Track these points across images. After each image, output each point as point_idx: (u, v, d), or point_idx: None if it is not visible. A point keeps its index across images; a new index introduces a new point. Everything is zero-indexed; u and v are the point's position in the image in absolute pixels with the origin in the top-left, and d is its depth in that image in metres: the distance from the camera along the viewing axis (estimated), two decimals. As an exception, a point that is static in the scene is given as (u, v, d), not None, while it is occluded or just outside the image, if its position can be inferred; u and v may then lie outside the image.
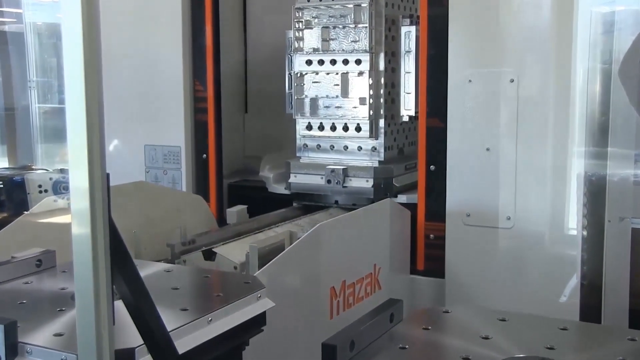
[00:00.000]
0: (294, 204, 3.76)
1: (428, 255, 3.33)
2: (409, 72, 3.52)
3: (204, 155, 4.00)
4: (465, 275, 3.20)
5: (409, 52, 3.51)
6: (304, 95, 3.63)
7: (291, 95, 3.70)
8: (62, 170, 4.51)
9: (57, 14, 7.27)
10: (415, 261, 3.34)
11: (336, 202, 3.68)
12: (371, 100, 3.50)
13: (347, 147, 3.65)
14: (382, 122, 3.57)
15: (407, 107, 3.55)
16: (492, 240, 3.15)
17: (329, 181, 3.58)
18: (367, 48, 3.47)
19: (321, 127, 3.66)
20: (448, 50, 3.15)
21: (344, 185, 3.55)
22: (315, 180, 3.66)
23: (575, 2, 2.89)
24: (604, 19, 2.88)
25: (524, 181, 3.08)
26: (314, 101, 3.61)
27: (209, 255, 2.78)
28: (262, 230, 3.18)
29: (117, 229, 1.39)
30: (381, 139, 3.57)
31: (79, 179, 1.29)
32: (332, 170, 3.56)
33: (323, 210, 3.61)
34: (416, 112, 3.50)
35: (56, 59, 7.35)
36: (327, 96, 3.58)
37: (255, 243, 2.59)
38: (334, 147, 3.68)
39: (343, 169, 3.55)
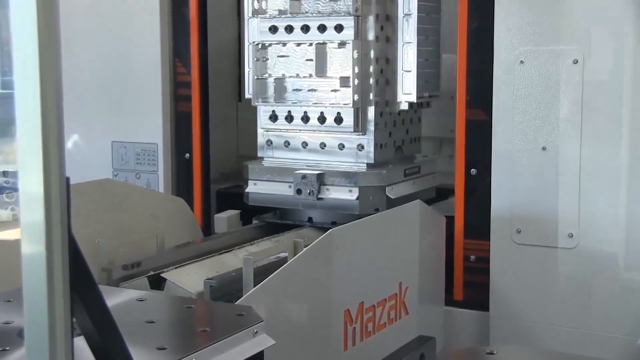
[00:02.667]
0: (254, 222, 3.73)
1: (468, 281, 3.41)
2: (409, 43, 3.55)
3: (187, 155, 4.10)
4: (515, 308, 3.25)
5: (408, 15, 3.50)
6: (266, 75, 3.61)
7: (250, 74, 3.67)
8: (4, 173, 4.58)
9: None
10: (452, 288, 3.44)
11: (310, 219, 3.66)
12: (357, 81, 3.47)
13: (325, 145, 3.63)
14: (371, 111, 3.56)
15: (407, 90, 3.56)
16: (549, 263, 3.20)
17: (299, 191, 3.54)
18: (351, 9, 3.45)
19: (289, 118, 3.64)
20: (494, 23, 3.25)
21: (320, 196, 3.51)
22: (282, 189, 3.61)
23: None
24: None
25: (590, 188, 3.14)
26: (279, 82, 3.60)
27: (158, 282, 2.78)
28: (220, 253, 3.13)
29: (79, 246, 1.39)
30: (370, 134, 3.55)
31: (31, 184, 1.29)
32: (304, 177, 3.52)
33: (291, 231, 3.57)
34: (420, 97, 3.56)
35: None
36: (297, 75, 3.56)
37: (251, 255, 2.66)
38: (307, 144, 3.66)
39: (318, 174, 3.52)
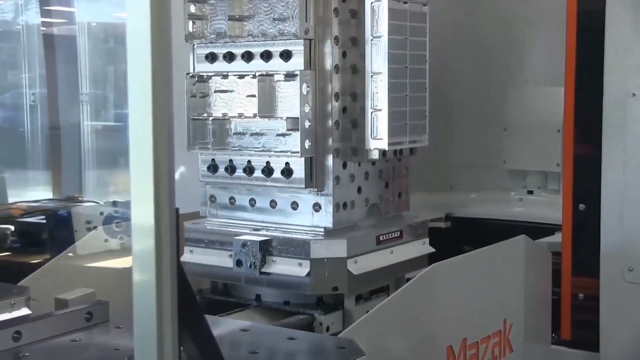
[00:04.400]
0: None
1: (576, 320, 3.23)
2: (378, 73, 2.64)
3: None
4: (627, 350, 3.11)
5: (377, 38, 2.62)
6: (204, 114, 2.84)
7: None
8: (115, 203, 4.76)
9: (115, 13, 8.10)
10: (559, 327, 3.27)
11: (257, 297, 2.89)
12: (308, 123, 2.69)
13: (275, 204, 2.83)
14: (330, 161, 2.74)
15: (378, 134, 2.66)
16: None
17: (239, 262, 2.77)
18: (298, 30, 2.66)
19: (230, 169, 2.88)
20: (604, 55, 3.07)
21: (264, 270, 2.74)
22: (222, 259, 2.87)
23: None
24: None
25: None
26: (219, 124, 2.84)
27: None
28: None
29: (186, 275, 1.48)
30: (328, 191, 2.75)
31: (142, 215, 1.37)
32: (244, 244, 2.74)
33: (233, 313, 2.83)
34: (395, 143, 2.81)
35: (113, 67, 8.03)
36: (239, 115, 2.78)
37: None
38: (255, 202, 2.88)
39: (261, 242, 2.75)
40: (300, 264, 2.67)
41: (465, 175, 4.15)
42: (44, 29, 7.95)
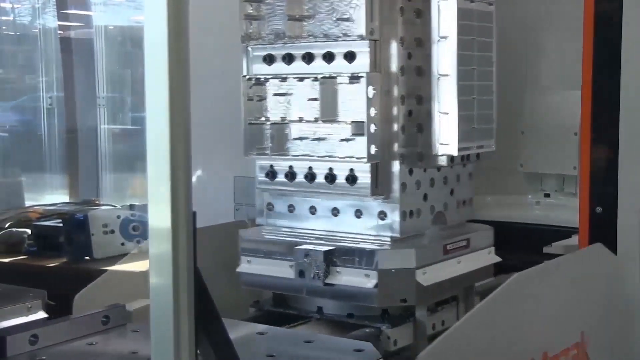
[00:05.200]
0: (251, 310, 2.88)
1: None
2: (446, 75, 2.47)
3: None
4: None
5: (444, 38, 2.49)
6: (261, 119, 2.69)
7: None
8: (132, 207, 4.76)
9: (132, 17, 8.17)
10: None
11: (319, 309, 2.74)
12: (373, 127, 2.54)
13: (338, 212, 2.69)
14: (396, 167, 2.60)
15: (444, 139, 2.51)
16: None
17: (301, 273, 2.63)
18: (364, 31, 2.51)
19: (290, 175, 2.71)
20: (621, 58, 2.95)
21: (328, 281, 2.59)
22: (282, 270, 2.71)
23: None
24: None
25: None
26: (278, 128, 2.69)
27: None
28: None
29: (203, 279, 1.46)
30: (395, 198, 2.61)
31: (159, 218, 1.38)
32: (306, 254, 2.60)
33: (297, 325, 2.70)
34: (464, 148, 2.65)
35: (130, 71, 8.11)
36: (300, 119, 2.65)
37: None
38: (315, 210, 2.74)
39: (325, 252, 2.59)
40: (367, 275, 2.53)
41: (482, 179, 4.08)
42: (61, 32, 7.90)
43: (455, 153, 2.57)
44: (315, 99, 2.56)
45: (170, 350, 1.35)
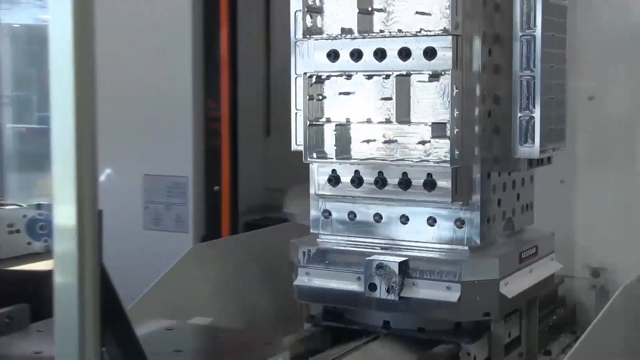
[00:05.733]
0: (307, 325, 2.63)
1: None
2: (531, 75, 2.37)
3: (216, 188, 4.13)
4: None
5: (530, 34, 2.35)
6: (323, 119, 2.48)
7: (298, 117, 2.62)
8: (39, 206, 4.68)
9: (39, 15, 7.87)
10: None
11: (386, 324, 2.53)
12: (456, 129, 2.33)
13: (407, 219, 2.50)
14: (477, 172, 2.43)
15: (527, 141, 2.33)
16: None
17: (372, 286, 2.39)
18: (449, 25, 2.31)
19: (357, 181, 2.50)
20: None
21: (403, 295, 2.37)
22: (346, 282, 2.50)
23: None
24: None
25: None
26: (342, 130, 2.47)
27: None
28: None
29: (110, 276, 1.44)
30: (475, 205, 2.44)
31: (65, 216, 1.36)
32: (380, 266, 2.36)
33: (368, 343, 2.48)
34: (544, 151, 2.48)
35: (36, 70, 7.81)
36: (368, 120, 2.44)
37: None
38: (381, 218, 2.54)
39: (401, 263, 2.37)
40: (448, 287, 2.34)
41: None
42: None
43: (537, 156, 2.41)
44: (388, 98, 2.37)
45: (74, 349, 1.34)
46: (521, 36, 2.39)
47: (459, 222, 2.42)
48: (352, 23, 2.41)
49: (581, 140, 3.14)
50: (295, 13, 2.61)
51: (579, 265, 3.40)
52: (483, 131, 2.41)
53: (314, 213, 2.61)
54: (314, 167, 2.57)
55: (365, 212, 2.54)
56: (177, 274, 2.82)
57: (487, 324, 2.45)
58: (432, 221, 2.45)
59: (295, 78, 2.62)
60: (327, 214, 2.59)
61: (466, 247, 2.41)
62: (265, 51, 4.59)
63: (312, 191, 2.59)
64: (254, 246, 2.88)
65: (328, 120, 2.45)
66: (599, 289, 3.42)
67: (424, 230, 2.46)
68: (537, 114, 2.38)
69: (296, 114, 2.61)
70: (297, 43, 2.62)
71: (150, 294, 2.65)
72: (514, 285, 2.43)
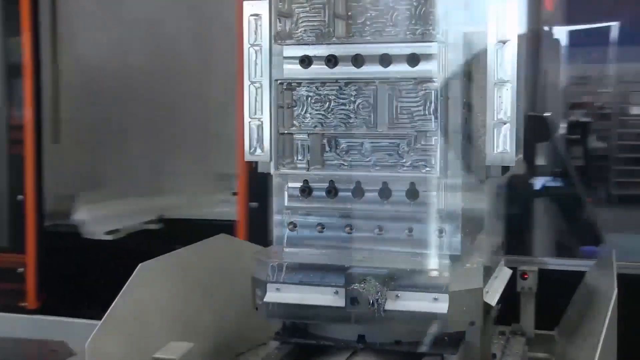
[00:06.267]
0: (273, 343, 2.49)
1: None
2: (505, 82, 2.34)
3: (20, 197, 4.14)
4: None
5: (502, 42, 2.39)
6: (292, 128, 2.38)
7: (258, 127, 2.45)
8: None
9: None
10: None
11: (361, 337, 2.41)
12: (442, 137, 2.32)
13: (382, 229, 2.44)
14: (458, 180, 2.41)
15: (503, 148, 2.33)
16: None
17: (353, 300, 2.26)
18: (433, 30, 2.30)
19: (334, 192, 2.44)
20: None
21: (387, 308, 2.27)
22: (321, 296, 2.35)
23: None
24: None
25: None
26: (315, 140, 2.40)
27: None
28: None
29: None
30: (456, 214, 2.40)
31: None
32: (362, 279, 2.27)
33: (342, 356, 2.39)
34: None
35: None
36: (345, 127, 2.36)
37: None
38: (352, 228, 2.46)
39: (385, 275, 2.28)
40: (436, 299, 2.28)
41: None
42: None
43: (512, 164, 2.39)
44: (366, 106, 2.29)
45: None
46: (495, 44, 2.36)
47: (440, 232, 2.37)
48: (328, 28, 2.31)
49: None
50: (249, 17, 2.47)
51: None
52: (468, 138, 2.38)
53: (278, 226, 2.48)
54: (279, 179, 2.43)
55: (336, 223, 2.44)
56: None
57: (462, 334, 2.42)
58: (410, 231, 2.39)
59: (249, 85, 2.48)
60: (292, 226, 2.47)
61: (447, 257, 2.36)
62: (53, 57, 4.65)
63: (276, 204, 2.46)
64: (192, 263, 2.68)
65: (301, 129, 2.34)
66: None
67: (400, 240, 2.40)
68: (512, 121, 2.36)
69: (250, 122, 2.47)
70: (249, 49, 2.48)
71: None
72: (495, 293, 2.42)
